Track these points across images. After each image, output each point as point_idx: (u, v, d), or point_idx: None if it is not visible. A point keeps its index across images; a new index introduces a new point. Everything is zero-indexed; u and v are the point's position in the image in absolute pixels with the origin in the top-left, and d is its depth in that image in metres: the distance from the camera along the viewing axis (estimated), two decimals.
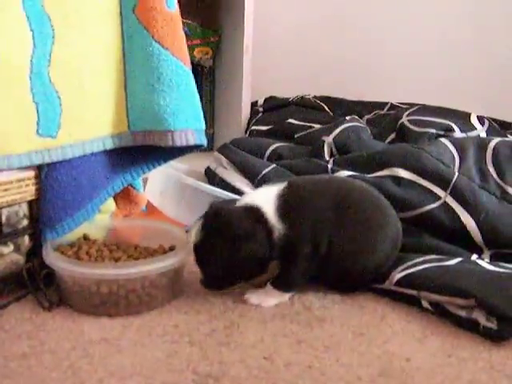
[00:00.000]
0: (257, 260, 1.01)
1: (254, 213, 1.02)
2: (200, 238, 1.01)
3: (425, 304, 1.02)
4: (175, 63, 1.10)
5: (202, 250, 1.02)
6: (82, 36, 1.05)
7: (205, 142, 1.16)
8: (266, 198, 1.05)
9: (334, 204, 1.06)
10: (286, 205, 1.04)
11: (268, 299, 1.05)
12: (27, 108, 0.98)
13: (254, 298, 1.05)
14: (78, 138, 1.07)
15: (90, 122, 1.09)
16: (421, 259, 1.10)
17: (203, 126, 1.16)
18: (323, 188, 1.11)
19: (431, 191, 1.23)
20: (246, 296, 1.05)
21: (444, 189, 1.22)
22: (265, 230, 1.01)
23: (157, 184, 1.35)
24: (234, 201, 1.10)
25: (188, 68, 1.13)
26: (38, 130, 1.00)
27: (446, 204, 1.21)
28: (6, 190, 0.99)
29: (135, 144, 1.15)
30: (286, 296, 1.06)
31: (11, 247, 1.03)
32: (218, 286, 1.05)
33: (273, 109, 2.16)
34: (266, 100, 2.25)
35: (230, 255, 0.99)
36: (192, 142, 1.13)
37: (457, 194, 1.21)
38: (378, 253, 1.08)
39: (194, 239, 1.02)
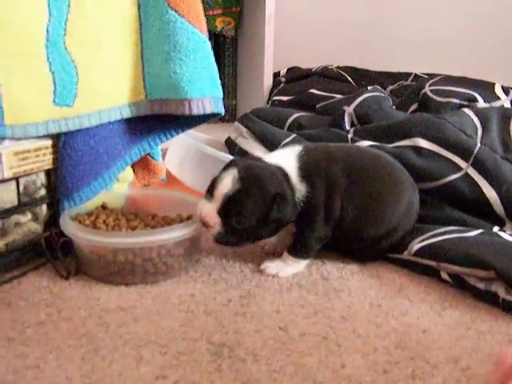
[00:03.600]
0: (283, 220, 1.01)
1: (282, 173, 1.02)
2: (236, 188, 0.97)
3: (444, 276, 1.01)
4: (191, 31, 1.09)
5: (235, 201, 0.97)
6: (98, 5, 1.04)
7: (222, 110, 1.16)
8: (286, 160, 1.06)
9: (345, 170, 1.06)
10: (305, 166, 1.05)
11: (285, 269, 1.05)
12: (44, 77, 0.98)
13: (271, 267, 1.05)
14: (94, 107, 1.06)
15: (107, 91, 1.08)
16: (441, 230, 1.09)
17: (221, 94, 1.16)
18: (335, 155, 1.10)
19: (452, 162, 1.21)
20: (262, 266, 1.05)
21: (466, 160, 1.20)
22: (291, 190, 1.02)
23: (176, 154, 1.35)
24: (255, 159, 1.08)
25: (205, 36, 1.12)
26: (54, 99, 1.00)
27: (467, 175, 1.19)
28: (23, 159, 0.99)
29: (152, 113, 1.14)
30: (303, 264, 1.07)
31: (29, 216, 1.03)
32: (233, 243, 1.02)
33: (295, 79, 2.14)
34: (288, 70, 2.23)
35: (264, 212, 0.98)
36: (209, 110, 1.12)
37: (479, 165, 1.19)
38: (389, 219, 1.08)
39: (226, 189, 0.98)
